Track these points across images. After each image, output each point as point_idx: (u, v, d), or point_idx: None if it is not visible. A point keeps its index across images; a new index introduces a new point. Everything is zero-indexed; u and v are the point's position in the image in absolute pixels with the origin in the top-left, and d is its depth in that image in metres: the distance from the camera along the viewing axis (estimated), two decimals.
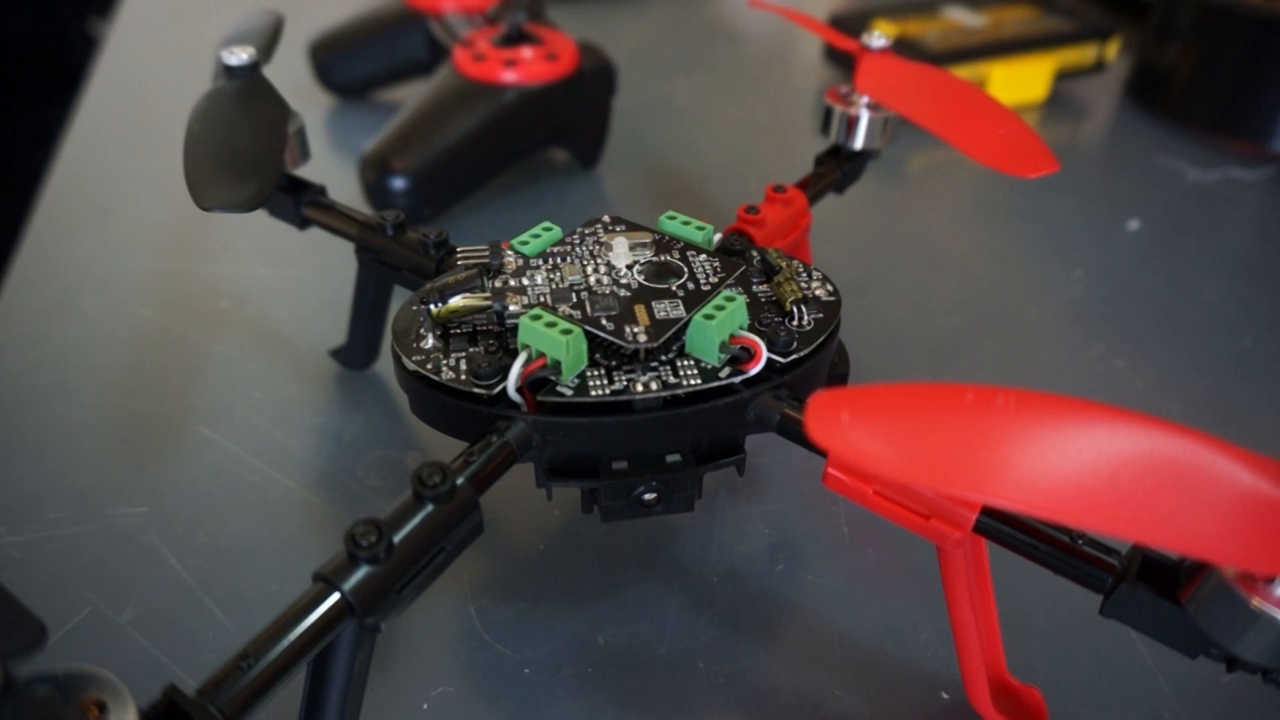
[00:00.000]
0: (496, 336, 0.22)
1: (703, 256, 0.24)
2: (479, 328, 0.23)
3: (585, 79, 0.40)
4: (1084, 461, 0.15)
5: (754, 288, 0.24)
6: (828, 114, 0.31)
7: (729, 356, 0.22)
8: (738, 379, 0.21)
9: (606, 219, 0.26)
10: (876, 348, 0.34)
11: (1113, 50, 0.53)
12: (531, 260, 0.24)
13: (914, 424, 0.16)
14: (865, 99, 0.30)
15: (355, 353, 0.32)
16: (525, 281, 0.23)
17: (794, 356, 0.22)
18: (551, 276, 0.24)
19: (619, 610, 0.25)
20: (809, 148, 0.32)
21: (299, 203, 0.28)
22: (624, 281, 0.23)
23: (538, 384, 0.21)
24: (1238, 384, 0.33)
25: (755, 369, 0.21)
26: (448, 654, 0.24)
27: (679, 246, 0.25)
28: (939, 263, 0.40)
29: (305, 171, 0.29)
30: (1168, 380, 0.33)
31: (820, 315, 0.23)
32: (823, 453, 0.19)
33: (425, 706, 0.22)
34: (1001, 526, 0.19)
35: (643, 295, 0.23)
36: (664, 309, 0.22)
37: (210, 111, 0.26)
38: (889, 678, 0.23)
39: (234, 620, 0.24)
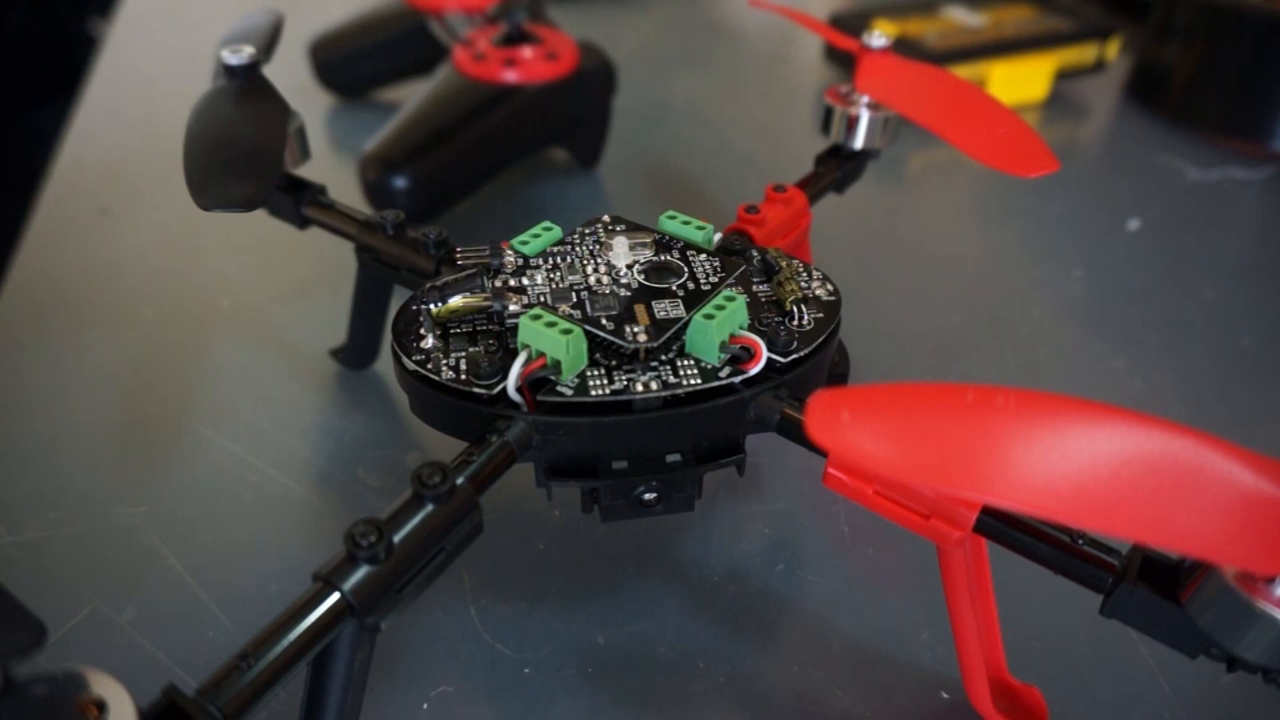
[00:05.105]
0: (496, 336, 0.22)
1: (703, 256, 0.24)
2: (479, 327, 0.23)
3: (585, 79, 0.40)
4: (1084, 461, 0.15)
5: (754, 287, 0.24)
6: (828, 113, 0.31)
7: (729, 356, 0.22)
8: (738, 379, 0.21)
9: (606, 219, 0.26)
10: (876, 348, 0.34)
11: (1113, 50, 0.53)
12: (531, 260, 0.24)
13: (914, 424, 0.16)
14: (865, 98, 0.30)
15: (355, 353, 0.32)
16: (525, 281, 0.23)
17: (794, 356, 0.22)
18: (551, 276, 0.24)
19: (619, 610, 0.25)
20: (809, 148, 0.32)
21: (299, 202, 0.28)
22: (624, 281, 0.23)
23: (538, 384, 0.21)
24: (1238, 384, 0.33)
25: (755, 369, 0.21)
26: (448, 654, 0.24)
27: (679, 246, 0.25)
28: (939, 263, 0.40)
29: (305, 171, 0.29)
30: (1168, 380, 0.33)
31: (820, 315, 0.23)
32: (823, 453, 0.19)
33: (425, 706, 0.22)
34: (1001, 526, 0.19)
35: (643, 295, 0.23)
36: (664, 309, 0.22)
37: (210, 111, 0.26)
38: (889, 678, 0.23)
39: (234, 620, 0.24)
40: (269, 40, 0.29)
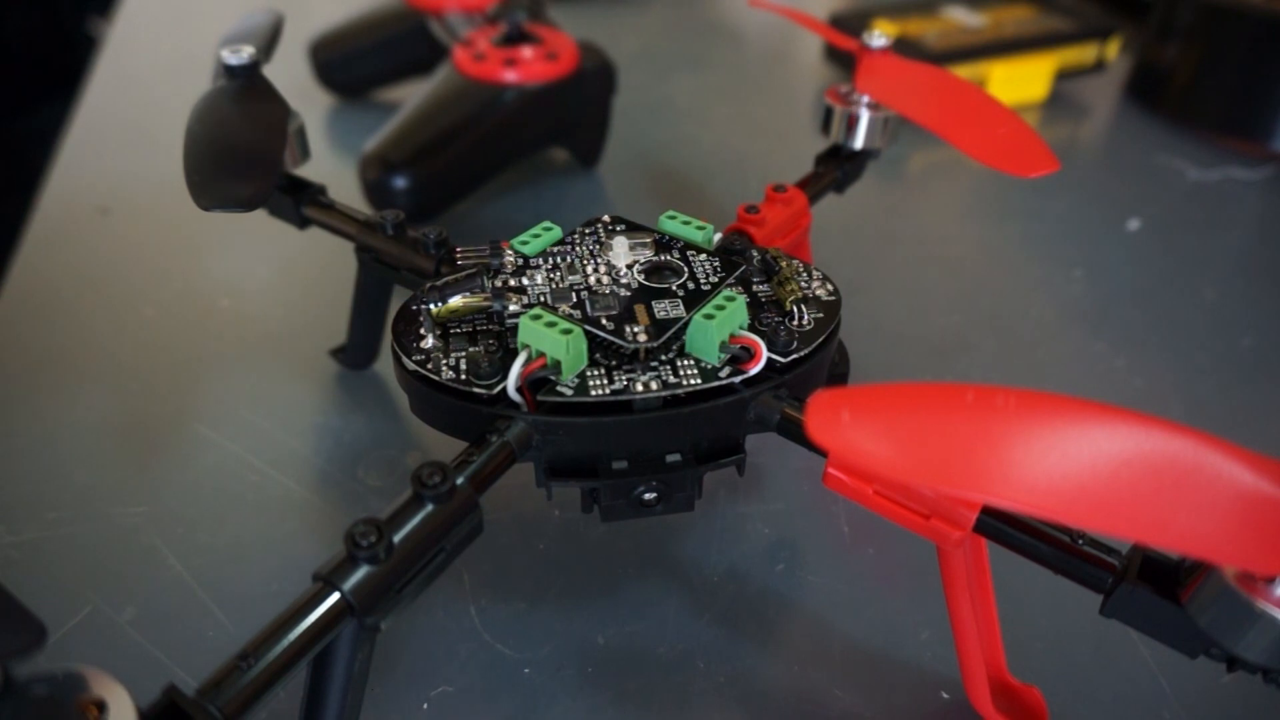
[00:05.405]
0: (496, 336, 0.22)
1: (703, 256, 0.24)
2: (479, 327, 0.23)
3: (585, 79, 0.40)
4: (1084, 461, 0.15)
5: (754, 287, 0.24)
6: (828, 113, 0.31)
7: (729, 356, 0.22)
8: (738, 379, 0.21)
9: (606, 219, 0.26)
10: (876, 348, 0.34)
11: (1113, 50, 0.53)
12: (531, 260, 0.24)
13: (914, 424, 0.16)
14: (865, 98, 0.30)
15: (355, 353, 0.32)
16: (525, 281, 0.23)
17: (794, 356, 0.22)
18: (551, 276, 0.24)
19: (619, 610, 0.25)
20: (809, 148, 0.32)
21: (299, 202, 0.28)
22: (624, 281, 0.23)
23: (538, 383, 0.21)
24: (1238, 384, 0.33)
25: (755, 369, 0.21)
26: (448, 654, 0.24)
27: (679, 246, 0.25)
28: (939, 263, 0.40)
29: (305, 171, 0.29)
30: (1168, 380, 0.33)
31: (820, 315, 0.23)
32: (823, 453, 0.19)
33: (425, 706, 0.22)
34: (1001, 526, 0.19)
35: (643, 295, 0.23)
36: (664, 309, 0.22)
37: (210, 111, 0.26)
38: (889, 678, 0.23)
39: (234, 620, 0.24)
40: (269, 40, 0.29)
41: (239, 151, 0.25)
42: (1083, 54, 0.52)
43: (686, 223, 0.25)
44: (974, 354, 0.34)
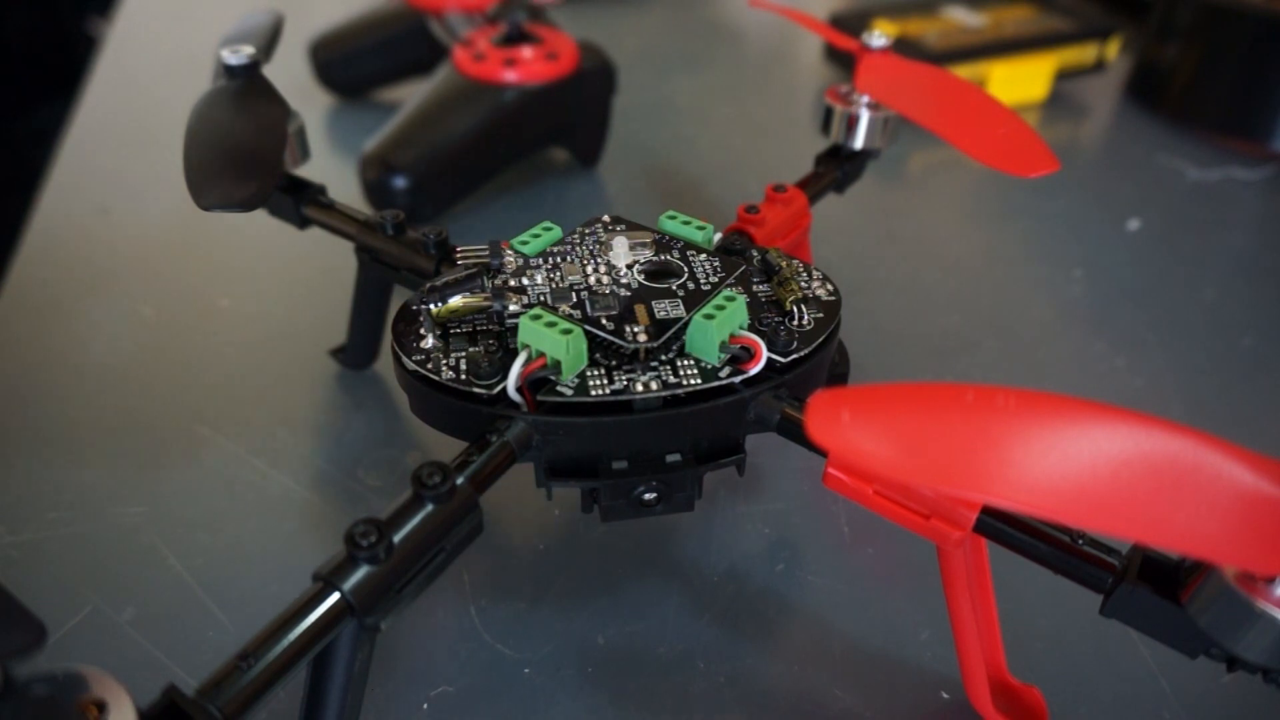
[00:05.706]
0: (496, 336, 0.22)
1: (703, 256, 0.24)
2: (479, 327, 0.23)
3: (585, 79, 0.40)
4: (1084, 461, 0.15)
5: (754, 287, 0.24)
6: (828, 113, 0.31)
7: (729, 356, 0.22)
8: (738, 379, 0.21)
9: (606, 219, 0.26)
10: (876, 348, 0.34)
11: (1113, 50, 0.53)
12: (531, 260, 0.24)
13: (914, 424, 0.16)
14: (865, 98, 0.30)
15: (355, 353, 0.32)
16: (525, 281, 0.23)
17: (794, 356, 0.22)
18: (551, 276, 0.24)
19: (619, 610, 0.25)
20: (809, 148, 0.32)
21: (299, 202, 0.28)
22: (624, 281, 0.23)
23: (538, 383, 0.21)
24: (1238, 384, 0.33)
25: (755, 369, 0.21)
26: (448, 654, 0.24)
27: (679, 246, 0.25)
28: (939, 263, 0.40)
29: (305, 171, 0.29)
30: (1168, 380, 0.33)
31: (820, 315, 0.23)
32: (823, 453, 0.19)
33: (425, 706, 0.22)
34: (1002, 526, 0.19)
35: (643, 295, 0.23)
36: (664, 309, 0.22)
37: (210, 111, 0.26)
38: (889, 678, 0.23)
39: (234, 620, 0.24)
40: (269, 40, 0.29)
41: (239, 151, 0.25)
42: (1083, 54, 0.52)
43: (686, 223, 0.25)
44: (974, 354, 0.34)
